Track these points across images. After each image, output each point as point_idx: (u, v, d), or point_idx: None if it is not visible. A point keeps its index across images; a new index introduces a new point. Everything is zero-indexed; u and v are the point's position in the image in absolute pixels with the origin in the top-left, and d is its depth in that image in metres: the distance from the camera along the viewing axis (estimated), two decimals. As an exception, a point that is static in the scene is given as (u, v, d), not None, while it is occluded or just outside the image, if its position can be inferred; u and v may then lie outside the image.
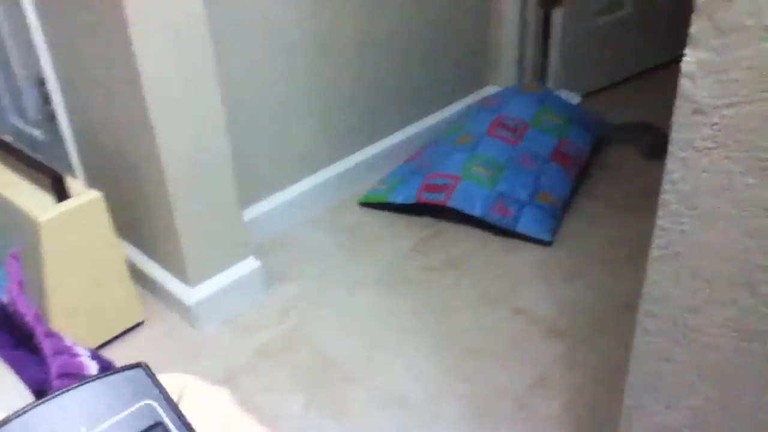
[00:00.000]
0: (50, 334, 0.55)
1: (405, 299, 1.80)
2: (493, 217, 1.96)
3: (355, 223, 2.11)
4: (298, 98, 2.01)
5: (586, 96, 2.70)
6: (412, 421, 1.46)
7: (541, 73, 2.67)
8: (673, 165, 0.71)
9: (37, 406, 0.26)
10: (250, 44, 1.84)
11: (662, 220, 0.74)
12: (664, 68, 2.92)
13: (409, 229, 2.06)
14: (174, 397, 0.29)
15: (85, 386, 0.28)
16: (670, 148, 0.72)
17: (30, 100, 1.96)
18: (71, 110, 1.81)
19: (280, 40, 1.90)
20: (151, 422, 0.27)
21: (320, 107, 2.08)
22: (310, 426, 1.47)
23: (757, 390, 0.76)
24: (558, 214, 2.02)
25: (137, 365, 0.29)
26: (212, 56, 1.54)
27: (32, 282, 1.53)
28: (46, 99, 1.83)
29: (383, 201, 2.12)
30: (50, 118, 1.87)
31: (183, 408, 0.28)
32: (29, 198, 1.56)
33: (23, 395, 0.40)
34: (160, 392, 0.28)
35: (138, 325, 1.73)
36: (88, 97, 1.70)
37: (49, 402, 0.26)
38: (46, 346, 0.52)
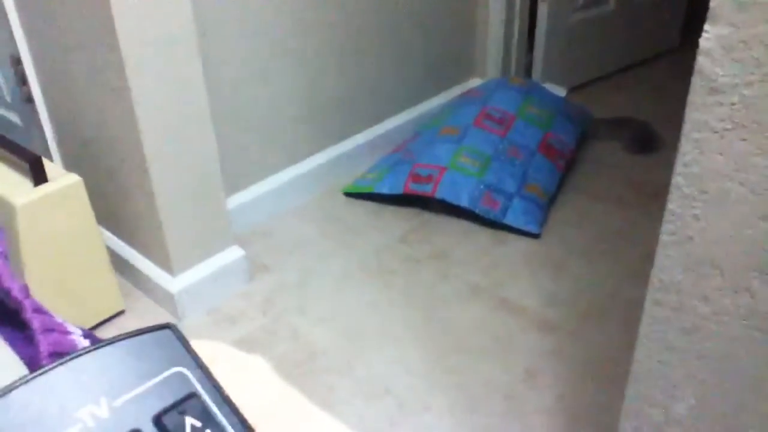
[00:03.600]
0: (39, 310, 0.51)
1: (390, 291, 1.77)
2: (481, 208, 1.94)
3: (340, 214, 2.08)
4: (282, 87, 1.97)
5: (570, 90, 2.69)
6: (400, 411, 1.44)
7: (527, 66, 2.66)
8: (686, 147, 0.69)
9: (51, 369, 0.22)
10: (234, 34, 1.79)
11: (673, 204, 0.72)
12: (647, 64, 2.92)
13: (395, 220, 2.04)
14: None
15: (106, 348, 0.23)
16: (684, 129, 0.69)
17: (5, 82, 1.89)
18: (48, 93, 1.75)
19: (264, 30, 1.86)
20: (184, 393, 0.23)
21: (304, 97, 2.04)
22: (300, 413, 1.44)
23: (765, 379, 0.75)
24: (546, 206, 2.01)
25: (166, 326, 0.24)
26: (197, 44, 1.50)
27: (7, 269, 1.47)
28: (22, 80, 1.77)
29: (369, 191, 2.09)
30: (27, 100, 1.80)
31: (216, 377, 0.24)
32: (5, 181, 1.50)
33: (21, 369, 0.36)
34: (193, 359, 0.24)
35: (118, 314, 1.68)
36: (66, 80, 1.64)
37: (65, 365, 0.22)
38: (36, 322, 0.48)
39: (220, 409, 0.23)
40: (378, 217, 2.05)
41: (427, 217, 2.04)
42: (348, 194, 2.15)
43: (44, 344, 0.43)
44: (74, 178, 1.51)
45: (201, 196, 1.64)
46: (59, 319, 0.48)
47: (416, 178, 2.01)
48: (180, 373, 0.23)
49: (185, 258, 1.67)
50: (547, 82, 2.62)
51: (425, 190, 1.98)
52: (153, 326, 0.24)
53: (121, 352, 0.23)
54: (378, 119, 2.31)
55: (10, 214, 1.43)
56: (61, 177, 1.51)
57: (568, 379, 1.50)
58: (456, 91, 2.54)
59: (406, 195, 2.03)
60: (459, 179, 1.96)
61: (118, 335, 0.23)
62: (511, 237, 1.95)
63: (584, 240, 1.93)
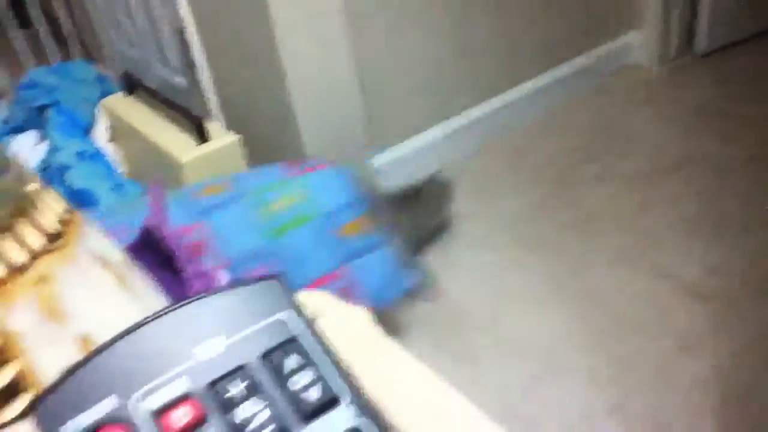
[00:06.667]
0: (191, 258, 0.55)
1: (536, 253, 1.74)
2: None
3: (484, 174, 2.06)
4: (430, 44, 1.96)
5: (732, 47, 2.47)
6: (542, 374, 1.42)
7: (691, 18, 2.46)
8: None
9: (172, 310, 0.25)
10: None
11: None
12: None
13: (539, 181, 1.99)
14: (310, 315, 0.27)
15: (215, 296, 0.26)
16: None
17: (171, 50, 2.03)
18: (211, 58, 1.86)
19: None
20: (285, 337, 0.25)
21: (448, 54, 2.02)
22: (443, 369, 1.46)
23: None
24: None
25: (273, 276, 0.27)
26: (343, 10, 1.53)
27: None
28: (185, 48, 1.89)
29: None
30: (191, 65, 1.93)
31: (319, 326, 0.27)
32: (173, 140, 1.62)
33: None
34: (294, 307, 0.26)
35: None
36: (225, 46, 1.74)
37: (179, 309, 0.25)
38: (188, 268, 0.53)
39: (317, 354, 0.25)
40: (522, 178, 2.01)
41: (573, 180, 1.97)
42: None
43: (195, 288, 0.46)
44: (233, 138, 1.60)
45: (347, 155, 1.69)
46: (209, 266, 0.52)
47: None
48: (281, 320, 0.26)
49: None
50: (715, 37, 2.42)
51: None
52: (262, 276, 0.27)
53: (233, 299, 0.26)
54: (523, 78, 2.23)
55: (176, 170, 1.55)
56: (221, 136, 1.60)
57: (728, 354, 1.40)
58: (611, 46, 2.40)
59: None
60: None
61: (227, 284, 0.26)
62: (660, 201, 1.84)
63: (746, 203, 1.79)
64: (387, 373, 0.28)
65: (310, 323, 0.26)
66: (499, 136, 2.17)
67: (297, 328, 0.26)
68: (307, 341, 0.25)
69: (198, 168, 1.55)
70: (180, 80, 2.09)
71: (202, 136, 1.59)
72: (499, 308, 1.60)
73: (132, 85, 1.87)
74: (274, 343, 0.25)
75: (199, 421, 0.22)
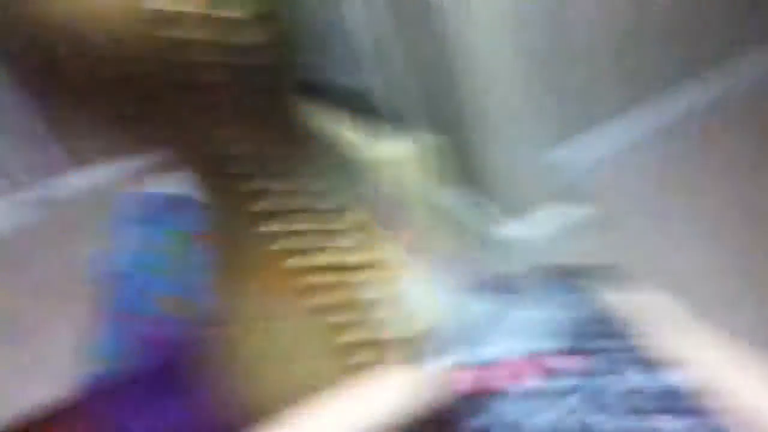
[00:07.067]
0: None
1: (738, 259, 1.63)
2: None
3: (669, 168, 1.96)
4: (609, 30, 1.89)
5: None
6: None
7: None
8: None
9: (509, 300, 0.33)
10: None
11: None
12: None
13: (729, 178, 1.86)
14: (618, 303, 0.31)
15: (543, 283, 0.36)
16: None
17: (349, 52, 2.07)
18: (385, 58, 1.89)
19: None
20: (599, 316, 0.32)
21: (628, 42, 1.93)
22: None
23: None
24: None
25: (590, 271, 0.34)
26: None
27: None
28: (361, 49, 1.93)
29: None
30: (382, 64, 1.96)
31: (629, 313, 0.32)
32: (358, 141, 1.68)
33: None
34: (608, 296, 0.33)
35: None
36: (399, 44, 1.77)
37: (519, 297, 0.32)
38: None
39: (628, 331, 0.33)
40: (710, 174, 1.90)
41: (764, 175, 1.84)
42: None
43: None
44: (419, 138, 1.64)
45: (524, 153, 1.67)
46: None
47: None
48: (597, 301, 0.35)
49: (512, 209, 1.72)
50: None
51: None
52: (580, 270, 0.34)
53: (558, 286, 0.34)
54: (701, 69, 2.10)
55: (372, 170, 1.60)
56: (411, 138, 1.64)
57: None
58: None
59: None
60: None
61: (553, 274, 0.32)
62: None
63: None
64: (703, 356, 0.33)
65: (618, 309, 0.32)
66: (679, 130, 2.06)
67: (608, 309, 0.32)
68: (616, 322, 0.32)
69: (386, 168, 1.60)
70: (358, 81, 2.14)
71: (385, 137, 1.63)
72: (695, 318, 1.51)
73: (313, 88, 1.94)
74: (589, 319, 0.32)
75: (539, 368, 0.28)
